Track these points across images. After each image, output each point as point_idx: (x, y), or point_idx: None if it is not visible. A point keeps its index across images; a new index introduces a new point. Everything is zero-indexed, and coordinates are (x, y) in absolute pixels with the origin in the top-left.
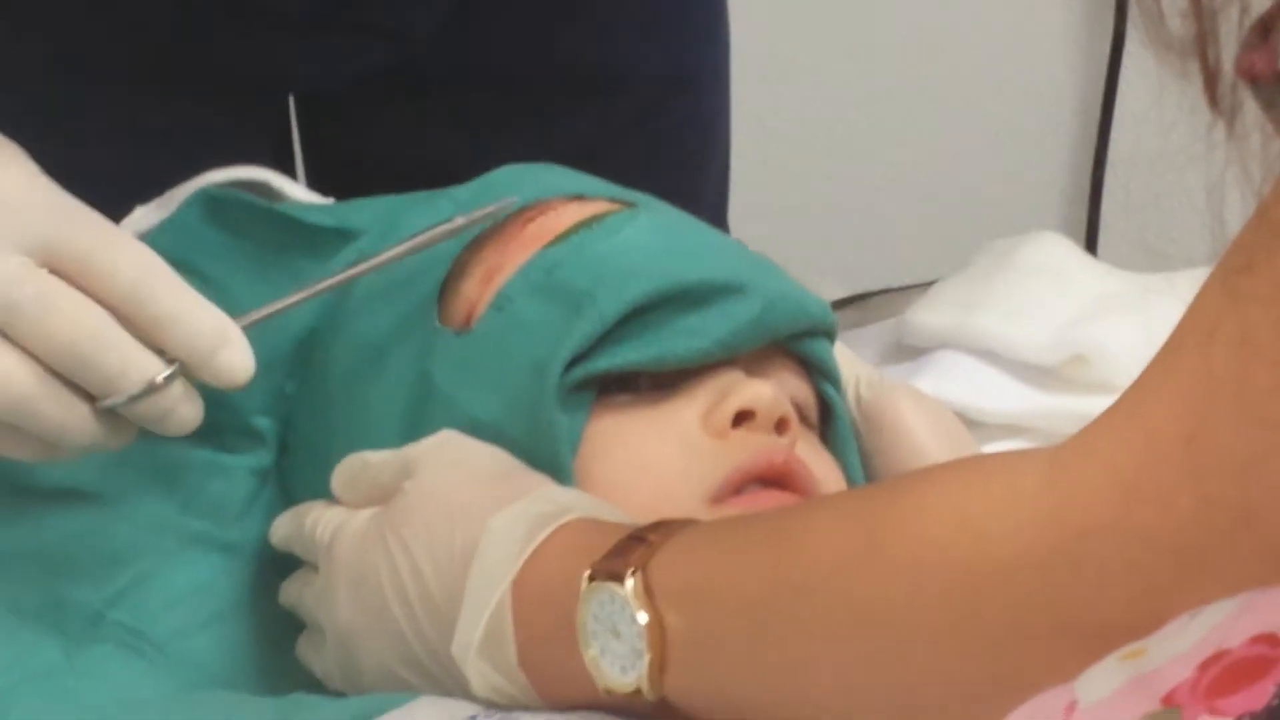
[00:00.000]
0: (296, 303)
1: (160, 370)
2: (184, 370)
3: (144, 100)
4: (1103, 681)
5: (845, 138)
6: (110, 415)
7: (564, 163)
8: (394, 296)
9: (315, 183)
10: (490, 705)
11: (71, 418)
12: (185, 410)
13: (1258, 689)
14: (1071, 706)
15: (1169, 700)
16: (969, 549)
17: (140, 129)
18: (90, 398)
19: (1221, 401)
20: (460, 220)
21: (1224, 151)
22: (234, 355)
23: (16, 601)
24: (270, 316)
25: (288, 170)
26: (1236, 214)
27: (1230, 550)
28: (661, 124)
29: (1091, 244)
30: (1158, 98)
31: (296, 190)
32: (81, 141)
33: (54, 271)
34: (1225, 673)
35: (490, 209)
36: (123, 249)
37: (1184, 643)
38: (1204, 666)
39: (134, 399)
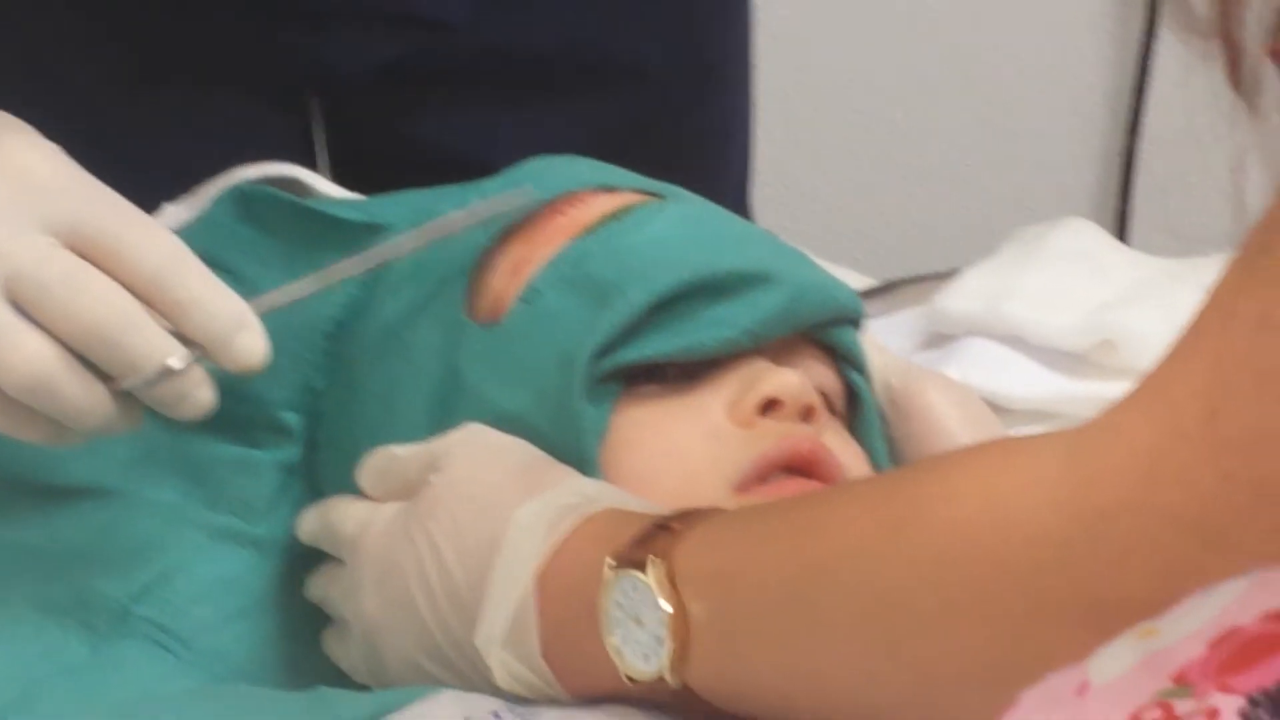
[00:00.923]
0: (315, 290)
1: (180, 354)
2: (201, 355)
3: (172, 95)
4: (1115, 661)
5: (872, 125)
6: (125, 397)
7: (590, 153)
8: (421, 290)
9: (339, 178)
10: (513, 699)
11: (90, 399)
12: (201, 395)
13: (1269, 666)
14: (1084, 686)
15: (1180, 678)
16: (992, 530)
17: (169, 124)
18: (107, 379)
19: (1241, 380)
20: (478, 207)
21: (1246, 133)
22: (251, 341)
23: (43, 597)
24: (290, 303)
25: (310, 166)
26: (1258, 195)
27: (1250, 527)
28: (686, 114)
29: (1121, 230)
30: (1186, 81)
31: (326, 186)
32: (109, 137)
33: (79, 253)
34: (1237, 650)
35: (508, 199)
36: (149, 234)
37: (1196, 621)
38: (1215, 644)
39: (152, 382)
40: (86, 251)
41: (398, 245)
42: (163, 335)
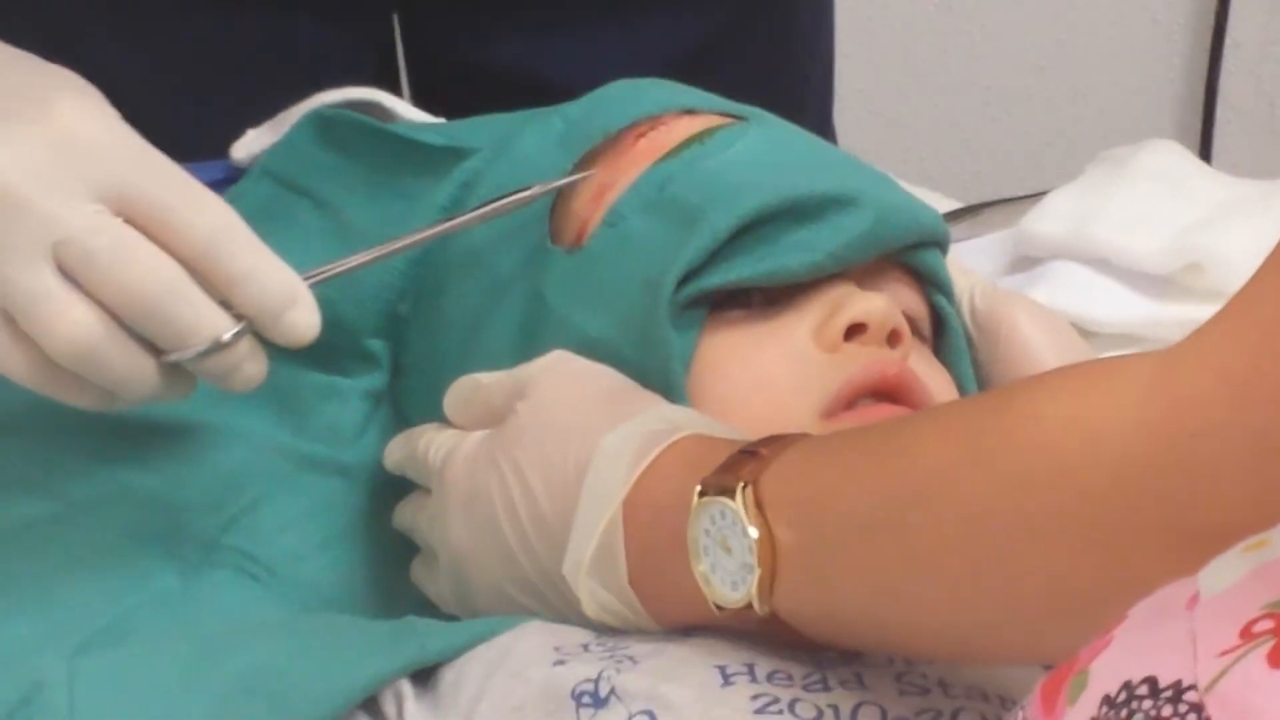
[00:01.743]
0: (369, 262)
1: (229, 327)
2: (251, 328)
3: (253, 20)
4: (1226, 572)
5: (957, 47)
6: (173, 368)
7: (670, 75)
8: (505, 218)
9: (419, 103)
10: (602, 629)
11: (136, 370)
12: (250, 368)
13: None
14: (1194, 599)
15: None
16: (1079, 452)
17: (250, 49)
18: (156, 350)
19: None
20: (536, 189)
21: None
22: (301, 316)
23: (133, 527)
24: (343, 274)
25: (393, 89)
26: None
27: None
28: (765, 33)
29: (1206, 151)
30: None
31: (408, 110)
32: (190, 63)
33: (129, 221)
34: None
35: (567, 179)
36: (201, 203)
37: None
38: None
39: (201, 355)
40: (136, 219)
41: (462, 219)
42: (212, 308)
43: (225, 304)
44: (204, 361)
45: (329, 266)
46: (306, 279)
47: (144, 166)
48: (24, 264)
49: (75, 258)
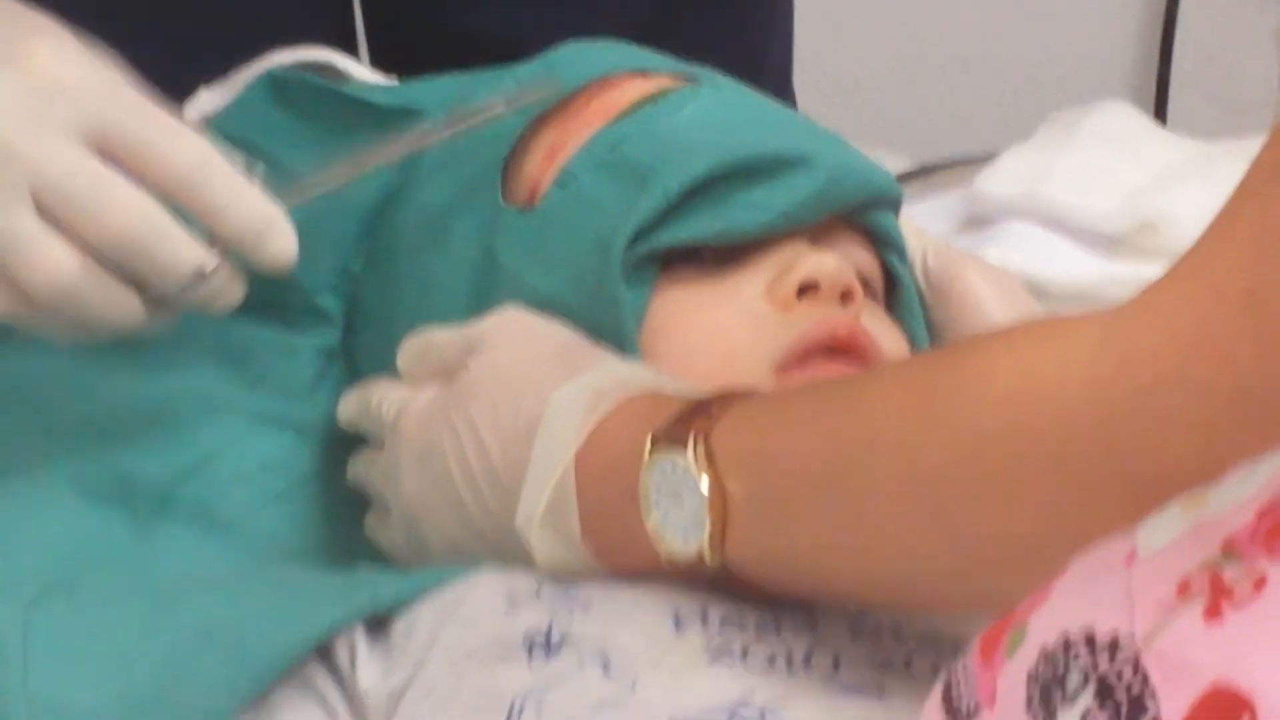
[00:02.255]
0: (346, 179)
1: (209, 261)
2: (231, 257)
3: None
4: (1163, 530)
5: (912, 9)
6: (156, 301)
7: (627, 36)
8: (458, 174)
9: (376, 64)
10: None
11: (119, 305)
12: (233, 292)
13: None
14: (1131, 555)
15: (1228, 546)
16: (1030, 407)
17: (207, 9)
18: (138, 284)
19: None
20: (511, 93)
21: None
22: (279, 243)
23: (84, 479)
24: (321, 193)
25: (351, 51)
26: None
27: None
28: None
29: (1162, 102)
30: None
31: (361, 71)
32: (145, 22)
33: (108, 156)
34: None
35: (541, 86)
36: (178, 136)
37: (1244, 490)
38: (1263, 513)
39: (184, 287)
40: (114, 155)
41: (429, 133)
42: (190, 242)
43: (206, 235)
44: (185, 294)
45: (305, 183)
46: (284, 196)
47: (121, 103)
48: (2, 207)
49: (54, 199)
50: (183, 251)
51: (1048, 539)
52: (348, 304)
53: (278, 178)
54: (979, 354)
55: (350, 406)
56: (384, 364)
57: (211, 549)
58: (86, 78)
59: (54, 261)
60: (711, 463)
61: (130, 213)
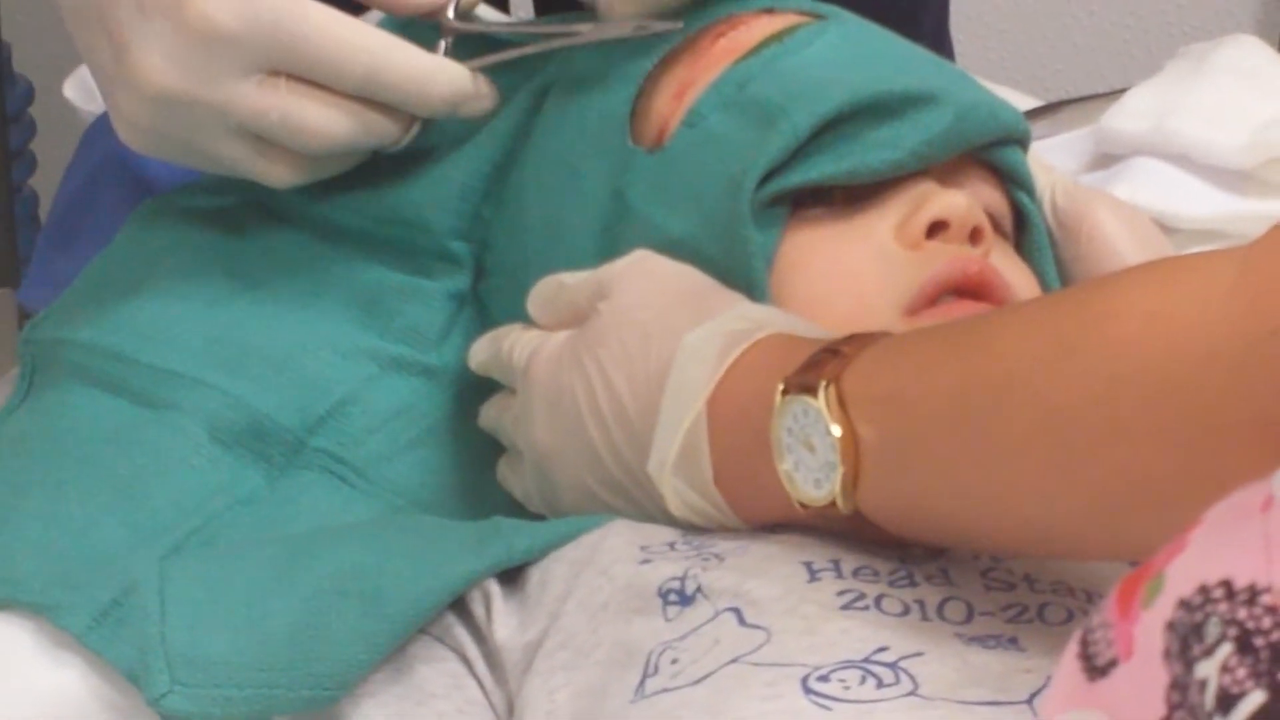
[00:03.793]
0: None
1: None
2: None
3: None
4: None
5: None
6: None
7: None
8: (584, 118)
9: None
10: (688, 528)
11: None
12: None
13: None
14: (1269, 501)
15: None
16: (1162, 348)
17: None
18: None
19: None
20: (653, 26)
21: None
22: (478, 104)
23: (219, 429)
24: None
25: None
26: None
27: None
28: None
29: None
30: None
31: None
32: None
33: (290, 77)
34: None
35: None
36: (345, 47)
37: None
38: None
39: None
40: (296, 75)
41: (585, 34)
42: (385, 125)
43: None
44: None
45: (483, 60)
46: (471, 68)
47: (280, 35)
48: (217, 144)
49: (256, 134)
50: (390, 134)
51: (1183, 483)
52: (478, 249)
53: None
54: (1109, 293)
55: (481, 351)
56: (515, 309)
57: (345, 498)
58: (242, 17)
59: (275, 175)
60: (843, 407)
61: (324, 133)
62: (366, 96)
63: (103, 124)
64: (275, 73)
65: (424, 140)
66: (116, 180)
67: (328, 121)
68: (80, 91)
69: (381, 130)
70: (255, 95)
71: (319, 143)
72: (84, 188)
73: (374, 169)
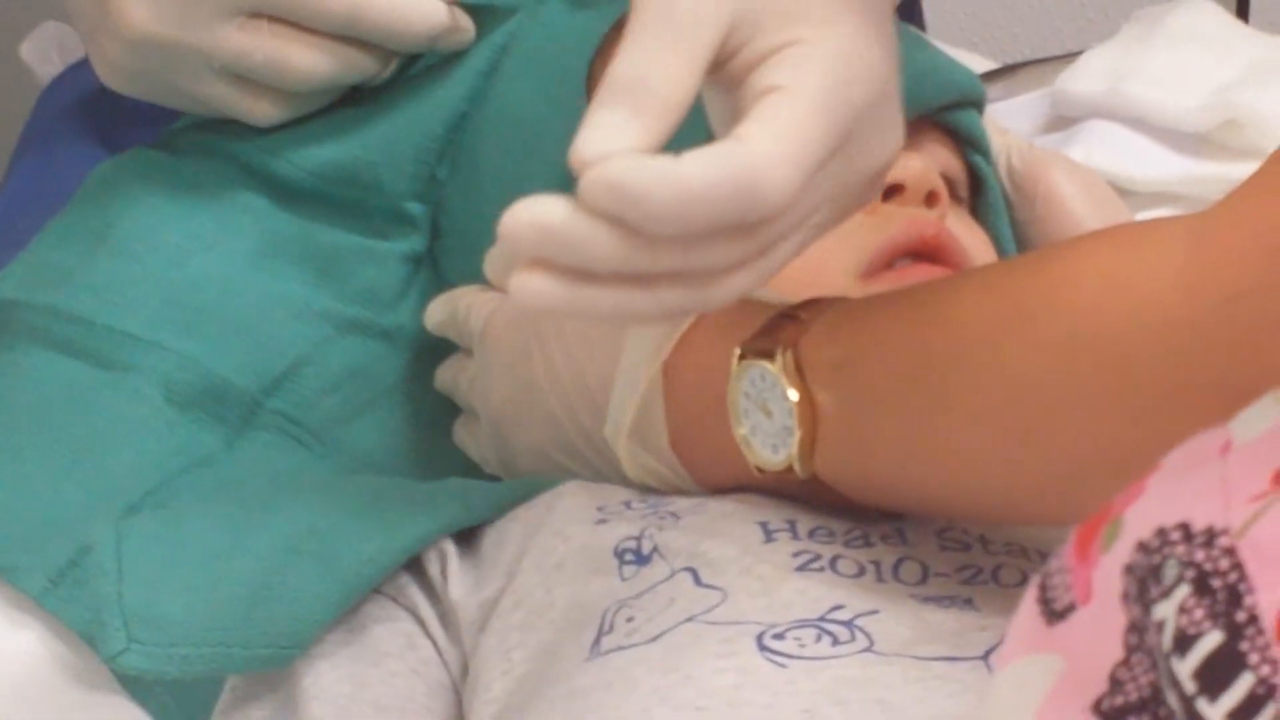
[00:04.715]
0: None
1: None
2: None
3: None
4: (1258, 420)
5: None
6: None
7: None
8: (543, 79)
9: None
10: (644, 489)
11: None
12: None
13: None
14: (1227, 445)
15: None
16: (1119, 314)
17: None
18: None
19: None
20: None
21: None
22: (458, 38)
23: (176, 392)
24: None
25: None
26: None
27: None
28: None
29: (1244, 10)
30: None
31: None
32: None
33: (273, 18)
34: None
35: None
36: None
37: None
38: None
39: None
40: (279, 16)
41: None
42: (368, 58)
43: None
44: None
45: None
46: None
47: None
48: (201, 84)
49: (240, 75)
50: (370, 68)
51: (1141, 448)
52: (434, 210)
53: None
54: (1065, 260)
55: (438, 311)
56: (471, 270)
57: (301, 459)
58: None
59: (259, 112)
60: (800, 372)
61: (308, 71)
62: (351, 32)
63: (60, 86)
64: (257, 14)
65: (378, 101)
66: (74, 139)
67: (311, 61)
68: (37, 54)
69: (363, 66)
70: (238, 37)
71: (303, 81)
72: (40, 156)
73: (328, 130)
